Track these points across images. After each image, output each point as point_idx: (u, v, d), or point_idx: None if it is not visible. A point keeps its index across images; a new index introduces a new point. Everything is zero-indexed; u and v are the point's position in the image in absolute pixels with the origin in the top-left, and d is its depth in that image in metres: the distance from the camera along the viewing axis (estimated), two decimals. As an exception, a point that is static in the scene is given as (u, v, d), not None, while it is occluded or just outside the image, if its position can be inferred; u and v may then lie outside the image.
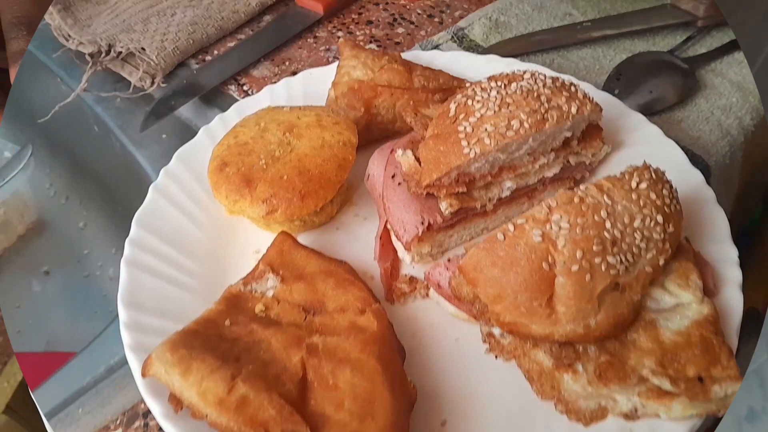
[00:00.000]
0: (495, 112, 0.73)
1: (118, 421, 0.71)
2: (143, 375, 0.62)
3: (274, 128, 0.82)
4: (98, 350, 0.82)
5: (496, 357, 0.68)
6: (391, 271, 0.78)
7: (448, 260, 0.72)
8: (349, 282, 0.71)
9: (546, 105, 0.73)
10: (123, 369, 0.76)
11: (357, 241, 0.82)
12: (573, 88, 0.77)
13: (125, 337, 0.70)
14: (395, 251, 0.80)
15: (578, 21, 1.18)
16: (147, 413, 0.71)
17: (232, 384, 0.59)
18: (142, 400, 0.67)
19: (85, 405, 0.73)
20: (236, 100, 1.01)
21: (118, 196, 1.27)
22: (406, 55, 1.00)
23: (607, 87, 1.01)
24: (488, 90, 0.75)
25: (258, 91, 1.06)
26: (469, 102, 0.75)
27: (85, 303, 1.34)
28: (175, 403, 0.61)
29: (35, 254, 1.40)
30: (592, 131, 0.81)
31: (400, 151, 0.77)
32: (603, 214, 0.64)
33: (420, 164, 0.75)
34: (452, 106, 0.76)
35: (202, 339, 0.63)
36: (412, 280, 0.77)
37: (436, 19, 1.22)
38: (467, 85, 0.79)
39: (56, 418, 0.72)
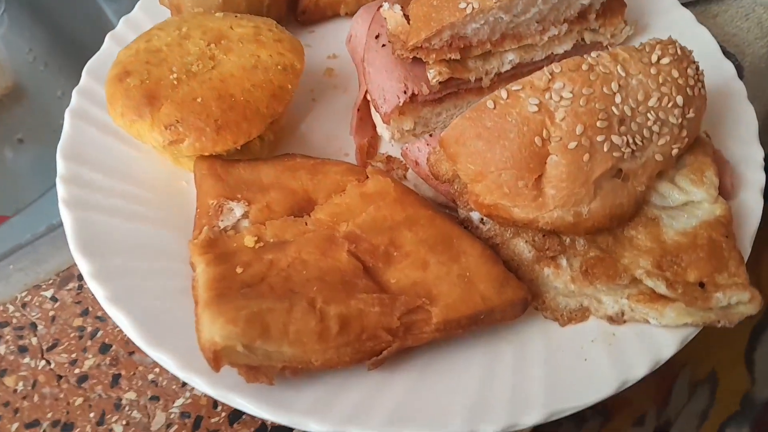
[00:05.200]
0: (501, -39, 0.61)
1: (51, 281, 0.64)
2: (216, 370, 0.48)
3: (198, 36, 0.64)
4: (45, 209, 0.74)
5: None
6: (367, 148, 0.70)
7: (430, 135, 0.63)
8: (318, 164, 0.61)
9: (563, -41, 0.62)
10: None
11: (334, 115, 0.73)
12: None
13: (60, 190, 0.62)
14: (374, 127, 0.71)
15: None
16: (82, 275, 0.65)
17: (317, 313, 0.49)
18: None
19: (18, 261, 0.66)
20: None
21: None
22: None
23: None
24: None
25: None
26: (472, -51, 0.63)
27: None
28: (256, 375, 0.49)
29: (10, 121, 1.32)
30: (614, 6, 0.70)
31: (386, 5, 0.66)
32: (614, 86, 0.54)
33: (408, 22, 0.65)
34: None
35: (236, 296, 0.50)
36: (390, 159, 0.68)
37: None
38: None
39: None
